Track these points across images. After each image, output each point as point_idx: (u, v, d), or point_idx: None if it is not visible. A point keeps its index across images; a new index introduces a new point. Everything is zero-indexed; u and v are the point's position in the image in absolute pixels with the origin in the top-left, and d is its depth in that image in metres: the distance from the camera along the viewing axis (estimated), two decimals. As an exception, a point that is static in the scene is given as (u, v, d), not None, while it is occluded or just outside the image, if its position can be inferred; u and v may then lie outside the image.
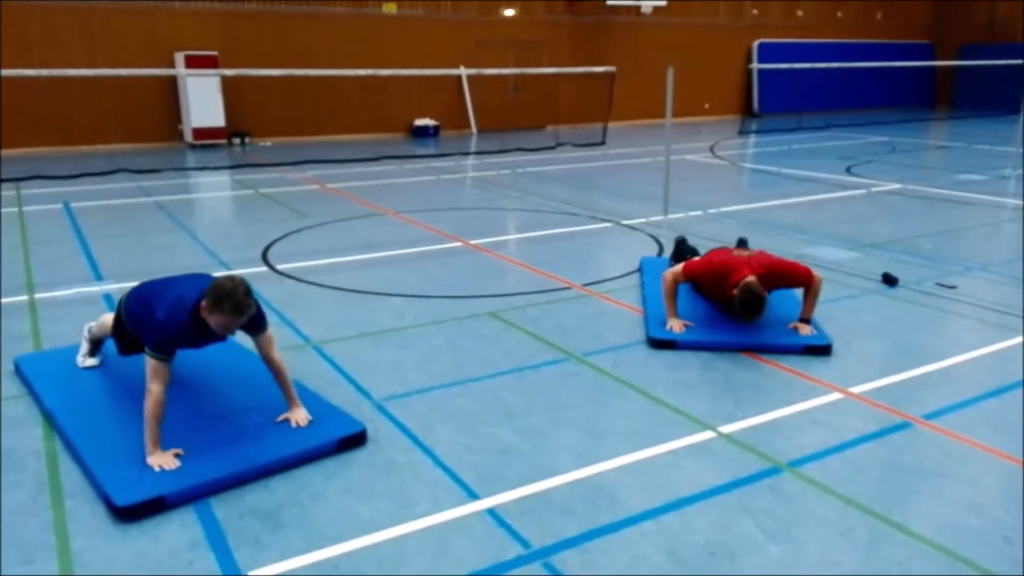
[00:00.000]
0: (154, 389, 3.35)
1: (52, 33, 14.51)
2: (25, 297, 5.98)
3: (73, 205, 9.66)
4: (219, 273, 6.54)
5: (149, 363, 3.40)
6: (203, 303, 3.38)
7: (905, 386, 4.38)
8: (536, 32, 19.55)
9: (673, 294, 5.08)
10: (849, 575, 2.79)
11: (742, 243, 6.37)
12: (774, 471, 3.47)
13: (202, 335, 3.54)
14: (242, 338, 3.84)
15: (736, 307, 4.76)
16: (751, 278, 4.74)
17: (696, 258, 5.46)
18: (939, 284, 6.25)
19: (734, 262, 4.95)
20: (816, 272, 5.07)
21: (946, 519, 3.12)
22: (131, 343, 4.01)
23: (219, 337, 3.59)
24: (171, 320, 3.43)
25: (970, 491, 3.32)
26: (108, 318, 4.26)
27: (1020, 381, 4.42)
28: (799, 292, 5.15)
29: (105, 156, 14.32)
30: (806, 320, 5.01)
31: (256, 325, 3.63)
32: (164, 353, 3.40)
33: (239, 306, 3.35)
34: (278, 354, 3.74)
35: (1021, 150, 13.41)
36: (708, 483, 3.37)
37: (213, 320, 3.38)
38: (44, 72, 11.21)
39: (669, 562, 2.85)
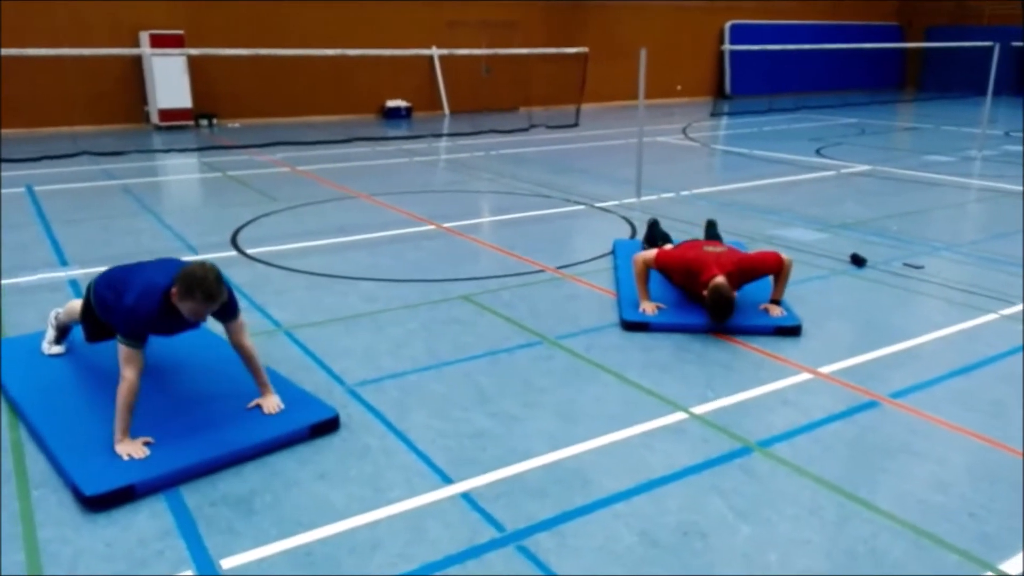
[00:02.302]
0: (128, 376, 3.31)
1: (14, 12, 14.11)
2: (-13, 283, 5.85)
3: (37, 189, 9.45)
4: (188, 258, 6.48)
5: (122, 350, 3.35)
6: (174, 289, 3.34)
7: (873, 365, 4.44)
8: (509, 13, 19.39)
9: (645, 277, 5.10)
10: (817, 552, 2.84)
11: (712, 225, 6.40)
12: (745, 451, 3.51)
13: (173, 321, 3.50)
14: (213, 325, 3.78)
15: (707, 308, 4.81)
16: (720, 279, 4.77)
17: (669, 247, 5.47)
18: (906, 264, 6.34)
19: (704, 260, 4.97)
20: (785, 255, 5.12)
21: (913, 496, 3.18)
22: (99, 329, 3.96)
23: (191, 324, 3.55)
24: (141, 306, 3.38)
25: (936, 469, 3.39)
26: (76, 304, 4.19)
27: (986, 359, 4.51)
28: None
29: (69, 138, 14.00)
30: (776, 301, 5.06)
31: (228, 312, 3.59)
32: (136, 339, 3.36)
33: (211, 293, 3.32)
34: (249, 341, 3.71)
35: (988, 131, 13.60)
36: (680, 464, 3.40)
37: (184, 307, 3.35)
38: (4, 52, 10.89)
39: (642, 543, 2.88)
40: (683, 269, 5.05)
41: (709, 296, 4.75)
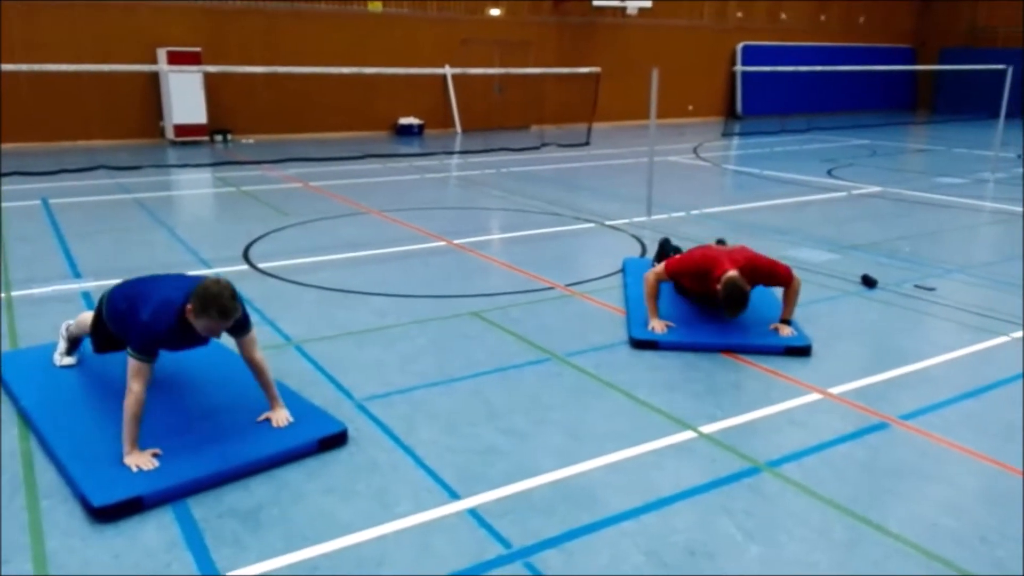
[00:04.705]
0: (135, 388, 3.34)
1: (35, 28, 14.33)
2: (1, 295, 5.90)
3: (52, 201, 9.55)
4: (201, 272, 6.53)
5: (131, 363, 3.38)
6: (189, 306, 3.36)
7: (883, 387, 4.42)
8: (522, 32, 19.55)
9: (655, 294, 5.10)
10: (826, 575, 2.81)
11: (721, 244, 6.40)
12: (753, 471, 3.49)
13: (187, 338, 3.54)
14: (223, 338, 3.80)
15: (720, 302, 4.77)
16: (733, 272, 4.76)
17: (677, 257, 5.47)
18: (918, 286, 6.31)
19: (715, 256, 4.97)
20: (796, 273, 5.11)
21: (924, 519, 3.15)
22: (109, 341, 3.99)
23: (203, 341, 3.59)
24: (157, 322, 3.41)
25: (948, 492, 3.36)
26: (87, 316, 4.22)
27: (997, 382, 4.47)
28: (779, 293, 5.18)
29: (85, 152, 14.16)
30: (786, 321, 5.04)
31: (241, 327, 3.61)
32: (147, 355, 3.39)
33: (226, 310, 3.35)
34: (260, 354, 3.73)
35: (1000, 154, 13.56)
36: (688, 483, 3.39)
37: (199, 324, 3.38)
38: (25, 67, 11.06)
39: (649, 562, 2.86)
40: (694, 270, 5.03)
41: (722, 289, 4.71)
